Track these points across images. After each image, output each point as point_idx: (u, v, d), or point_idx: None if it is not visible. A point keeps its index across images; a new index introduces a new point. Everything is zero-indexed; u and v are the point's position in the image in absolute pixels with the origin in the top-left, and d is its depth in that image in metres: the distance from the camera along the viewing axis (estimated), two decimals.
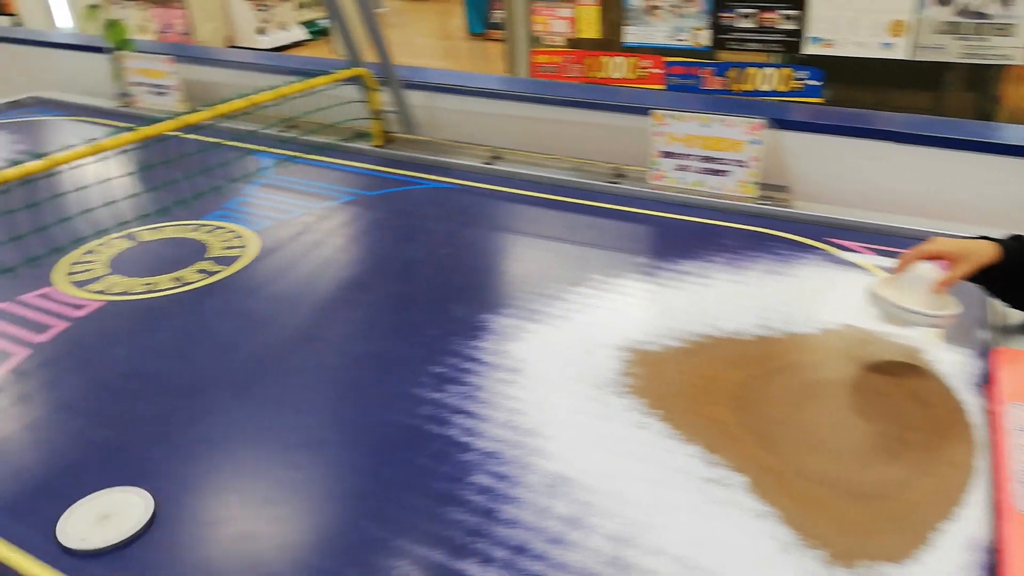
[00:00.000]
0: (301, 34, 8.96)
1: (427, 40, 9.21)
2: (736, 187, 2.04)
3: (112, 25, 2.76)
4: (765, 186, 2.03)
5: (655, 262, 1.74)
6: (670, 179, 2.11)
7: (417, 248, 1.88)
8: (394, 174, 2.33)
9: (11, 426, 1.24)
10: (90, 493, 1.07)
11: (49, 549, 0.98)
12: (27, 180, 1.52)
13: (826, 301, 1.56)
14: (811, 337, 1.44)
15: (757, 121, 1.96)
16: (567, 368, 1.36)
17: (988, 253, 1.24)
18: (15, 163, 1.49)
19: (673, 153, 2.08)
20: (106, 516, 1.03)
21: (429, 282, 1.71)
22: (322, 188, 2.21)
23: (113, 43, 2.80)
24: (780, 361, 1.37)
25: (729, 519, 1.02)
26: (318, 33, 9.16)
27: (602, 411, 1.24)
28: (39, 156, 1.52)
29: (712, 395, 1.28)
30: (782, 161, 2.02)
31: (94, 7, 2.91)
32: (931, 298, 1.24)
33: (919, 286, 1.25)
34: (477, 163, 2.35)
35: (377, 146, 2.50)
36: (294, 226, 1.96)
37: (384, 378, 1.35)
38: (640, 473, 1.11)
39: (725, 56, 3.60)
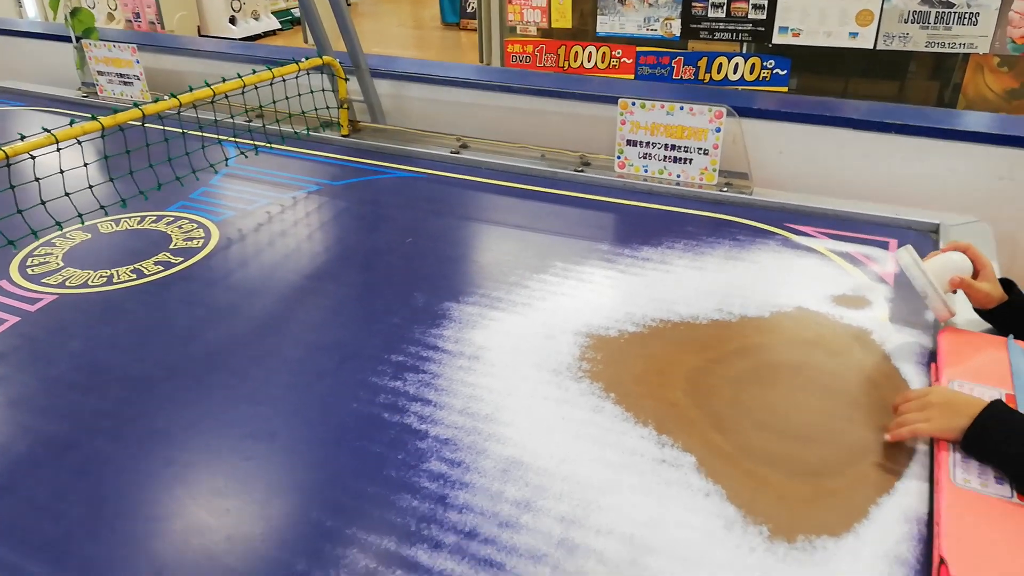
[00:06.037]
0: (273, 24, 8.85)
1: (400, 29, 9.12)
2: (698, 175, 2.06)
3: (76, 13, 2.71)
4: (727, 173, 2.05)
5: (617, 249, 1.76)
6: (634, 167, 2.13)
7: (381, 237, 1.88)
8: (361, 163, 2.32)
9: None
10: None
11: None
12: None
13: (781, 285, 1.59)
14: (765, 320, 1.46)
15: (719, 109, 1.97)
16: (527, 355, 1.37)
17: (999, 291, 1.31)
18: None
19: (638, 141, 2.10)
20: None
21: (393, 271, 1.71)
22: (288, 178, 2.19)
23: (77, 32, 2.76)
24: (734, 344, 1.39)
25: (677, 498, 1.03)
26: (291, 22, 9.05)
27: (559, 395, 1.26)
28: None
29: (667, 378, 1.30)
30: (743, 149, 2.04)
31: None
32: (947, 287, 1.31)
33: (946, 272, 1.32)
34: (444, 152, 2.35)
35: (344, 136, 2.49)
36: (257, 216, 1.95)
37: (343, 367, 1.35)
38: (594, 455, 1.12)
39: (696, 46, 3.62)
